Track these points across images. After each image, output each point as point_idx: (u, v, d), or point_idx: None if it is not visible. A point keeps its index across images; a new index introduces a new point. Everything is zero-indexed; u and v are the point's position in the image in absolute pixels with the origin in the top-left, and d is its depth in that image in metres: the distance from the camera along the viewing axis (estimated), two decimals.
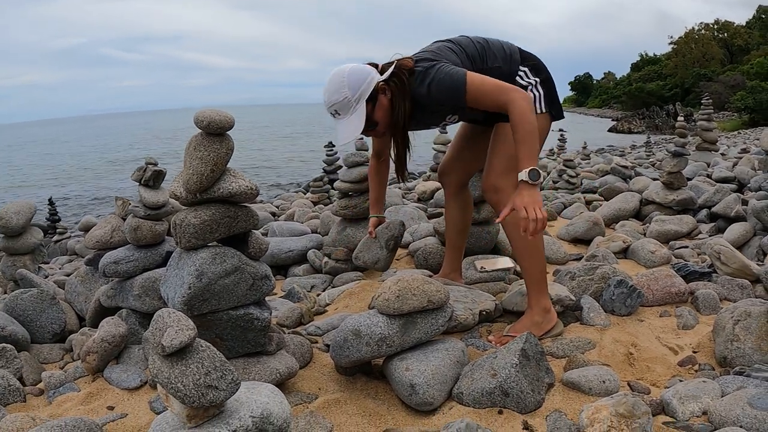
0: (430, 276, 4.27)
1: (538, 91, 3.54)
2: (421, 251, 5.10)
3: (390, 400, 2.95)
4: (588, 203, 8.33)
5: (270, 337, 2.98)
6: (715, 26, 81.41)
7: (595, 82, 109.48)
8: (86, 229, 8.12)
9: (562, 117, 3.73)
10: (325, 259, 5.51)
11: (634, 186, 8.45)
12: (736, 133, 41.39)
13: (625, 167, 10.11)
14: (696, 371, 3.09)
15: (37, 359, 3.83)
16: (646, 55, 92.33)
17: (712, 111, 13.76)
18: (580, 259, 5.29)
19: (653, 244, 5.24)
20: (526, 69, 3.55)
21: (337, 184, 5.53)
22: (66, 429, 2.53)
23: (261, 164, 34.62)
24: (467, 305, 3.55)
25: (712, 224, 6.35)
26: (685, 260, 4.95)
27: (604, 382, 2.84)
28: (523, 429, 2.60)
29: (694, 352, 3.31)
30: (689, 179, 8.29)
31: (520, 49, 3.62)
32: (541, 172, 3.09)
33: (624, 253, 5.39)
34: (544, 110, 3.55)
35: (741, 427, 2.34)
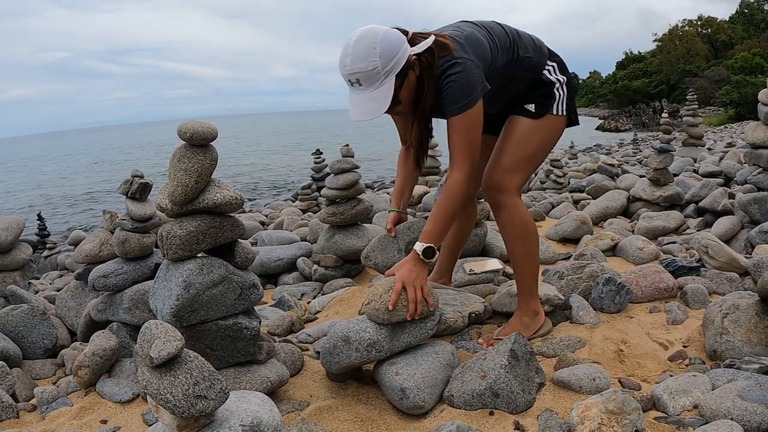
0: None
1: (563, 92, 3.41)
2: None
3: (381, 405, 2.95)
4: (576, 202, 8.35)
5: (260, 346, 2.98)
6: (699, 22, 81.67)
7: (581, 81, 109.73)
8: (75, 243, 8.12)
9: (578, 123, 3.63)
10: (315, 266, 5.52)
11: (622, 184, 8.49)
12: (722, 127, 41.57)
13: (612, 165, 10.14)
14: (686, 366, 3.10)
15: (30, 375, 3.82)
16: (631, 53, 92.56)
17: (698, 106, 13.84)
18: (568, 258, 5.30)
19: (641, 241, 5.25)
20: (554, 64, 3.43)
21: (324, 191, 5.53)
22: None
23: (247, 172, 34.63)
24: (456, 308, 3.56)
25: (700, 219, 6.37)
26: (674, 256, 4.96)
27: (594, 379, 2.85)
28: (514, 429, 2.60)
29: (684, 347, 3.32)
30: (676, 175, 8.32)
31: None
32: (436, 252, 3.08)
33: (612, 250, 5.41)
34: (564, 113, 3.43)
35: (732, 419, 2.35)
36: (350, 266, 5.48)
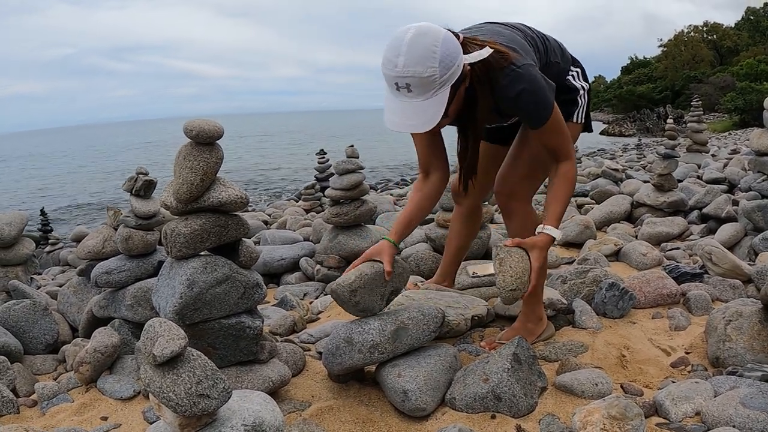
0: (423, 282, 4.25)
1: (585, 99, 3.32)
2: (413, 258, 5.10)
3: (383, 406, 2.94)
4: (579, 207, 8.35)
5: (262, 346, 2.97)
6: (704, 28, 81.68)
7: None
8: (78, 239, 8.11)
9: (591, 131, 3.59)
10: (318, 266, 5.51)
11: (625, 189, 8.48)
12: (726, 134, 41.55)
13: (616, 170, 10.12)
14: (689, 372, 3.09)
15: (30, 370, 3.82)
16: (636, 58, 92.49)
17: (702, 112, 13.83)
18: (572, 262, 5.30)
19: (645, 247, 5.25)
20: (578, 70, 3.32)
21: (328, 191, 5.53)
22: None
23: (252, 172, 34.63)
24: (459, 311, 3.55)
25: (704, 225, 6.37)
26: (677, 262, 4.96)
27: (596, 384, 2.84)
28: None
29: (687, 353, 3.31)
30: (680, 181, 8.32)
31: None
32: None
33: (616, 255, 5.40)
34: (582, 120, 3.35)
35: (734, 426, 2.35)
36: None
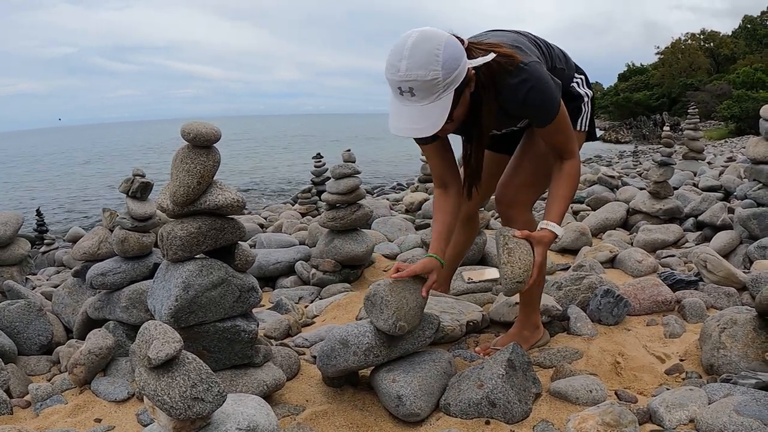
0: None
1: (588, 107, 3.31)
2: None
3: (377, 411, 2.94)
4: (575, 213, 8.35)
5: (257, 349, 2.97)
6: (702, 36, 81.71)
7: None
8: (74, 240, 8.11)
9: (596, 139, 3.57)
10: (313, 270, 5.52)
11: (621, 196, 8.50)
12: (722, 141, 41.63)
13: (612, 177, 10.14)
14: (683, 379, 3.09)
15: (24, 371, 3.82)
16: (633, 65, 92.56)
17: (699, 120, 13.84)
18: (567, 269, 5.30)
19: (640, 254, 5.25)
20: (581, 78, 3.29)
21: (324, 195, 5.53)
22: None
23: (248, 173, 34.64)
24: (454, 316, 3.56)
25: (699, 233, 6.38)
26: (672, 269, 4.96)
27: (591, 391, 2.84)
28: None
29: (681, 360, 3.31)
30: (676, 188, 8.34)
31: None
32: None
33: (611, 262, 5.41)
34: (585, 128, 3.34)
35: None
36: (348, 271, 5.48)
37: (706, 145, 20.92)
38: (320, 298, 5.11)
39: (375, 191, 19.71)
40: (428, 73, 2.46)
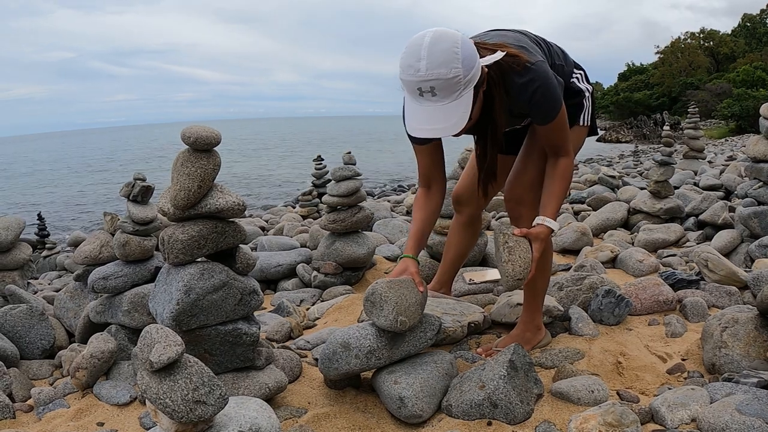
0: None
1: (589, 102, 3.35)
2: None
3: (379, 413, 2.94)
4: (576, 213, 8.37)
5: (259, 352, 2.98)
6: (701, 35, 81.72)
7: None
8: (75, 244, 8.10)
9: (597, 134, 3.61)
10: (314, 273, 5.52)
11: (622, 195, 8.50)
12: (723, 140, 41.64)
13: (613, 177, 10.13)
14: (685, 379, 3.10)
15: (27, 375, 3.82)
16: (633, 64, 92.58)
17: (699, 119, 13.84)
18: (568, 269, 5.30)
19: (641, 253, 5.26)
20: (580, 73, 3.33)
21: (325, 198, 5.53)
22: None
23: (248, 177, 34.66)
24: (456, 317, 3.56)
25: (700, 232, 6.38)
26: (673, 268, 4.97)
27: (592, 391, 2.84)
28: None
29: (683, 360, 3.32)
30: (676, 188, 8.33)
31: None
32: None
33: (612, 262, 5.42)
34: (588, 123, 3.39)
35: None
36: (350, 274, 5.48)
37: (706, 144, 20.93)
38: (322, 301, 5.11)
39: (376, 191, 19.72)
40: (450, 71, 2.48)
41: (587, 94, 3.32)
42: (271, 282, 5.91)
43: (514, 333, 3.48)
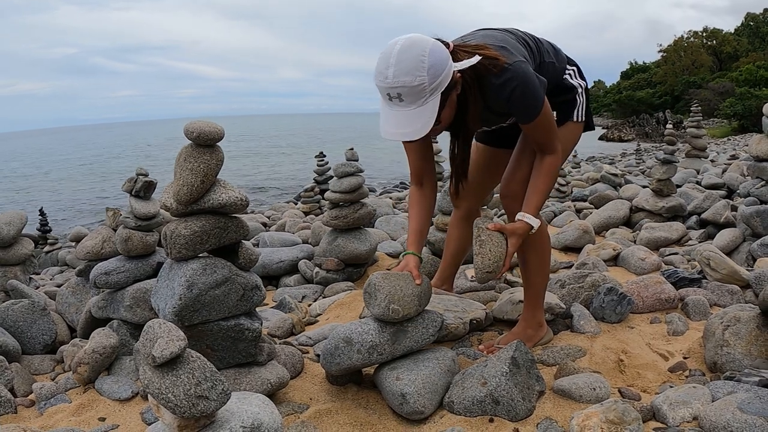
0: None
1: (583, 97, 3.34)
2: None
3: (381, 409, 2.95)
4: (578, 211, 8.36)
5: (261, 348, 2.98)
6: (704, 34, 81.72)
7: None
8: (77, 239, 8.10)
9: (593, 128, 3.60)
10: (316, 269, 5.52)
11: (624, 194, 8.50)
12: (725, 139, 41.68)
13: (615, 175, 10.13)
14: (686, 377, 3.10)
15: (28, 370, 3.82)
16: (636, 63, 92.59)
17: (701, 118, 13.83)
18: (570, 266, 5.30)
19: (643, 252, 5.25)
20: (573, 69, 3.35)
21: (327, 194, 5.52)
22: None
23: (250, 173, 34.67)
24: (458, 314, 3.56)
25: (702, 231, 6.37)
26: (675, 267, 4.96)
27: (594, 389, 2.84)
28: None
29: (685, 358, 3.32)
30: (679, 186, 8.32)
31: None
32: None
33: (614, 260, 5.41)
34: (582, 119, 3.37)
35: (731, 431, 2.35)
36: (352, 270, 5.48)
37: (709, 143, 20.92)
38: (323, 297, 5.11)
39: (379, 189, 19.70)
40: (415, 79, 2.55)
41: (581, 89, 3.33)
42: (273, 278, 5.91)
43: (516, 330, 3.48)
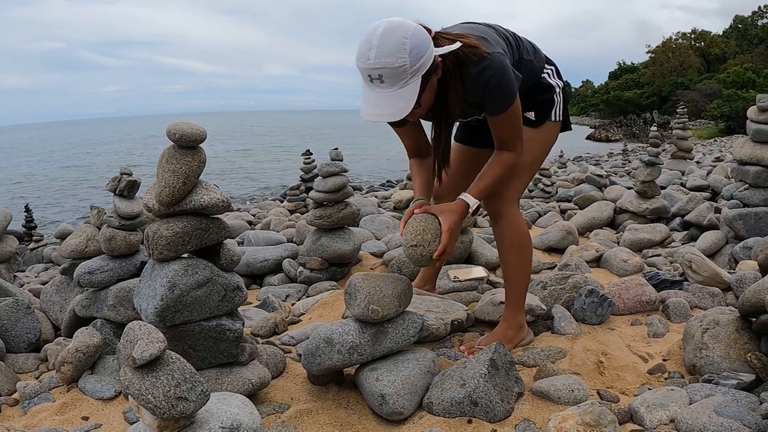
0: None
1: (560, 97, 3.41)
2: (395, 261, 5.12)
3: (361, 410, 2.96)
4: (563, 212, 8.39)
5: (242, 348, 2.99)
6: (693, 35, 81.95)
7: (573, 90, 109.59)
8: (62, 236, 8.09)
9: (570, 129, 3.64)
10: (300, 268, 5.52)
11: (609, 195, 8.54)
12: (712, 140, 41.84)
13: (600, 176, 10.18)
14: (665, 379, 3.12)
15: (12, 369, 3.82)
16: (624, 63, 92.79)
17: (687, 119, 13.90)
18: (553, 267, 5.32)
19: (626, 253, 5.29)
20: (551, 69, 3.41)
21: (312, 194, 5.53)
22: None
23: (235, 170, 34.63)
24: (439, 315, 3.57)
25: (685, 232, 6.42)
26: (658, 269, 4.99)
27: (572, 391, 2.87)
28: None
29: (664, 360, 3.35)
30: (663, 188, 8.37)
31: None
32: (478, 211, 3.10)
33: (597, 261, 5.44)
34: (560, 118, 3.45)
35: None
36: (335, 269, 5.49)
37: (695, 144, 21.01)
38: (307, 296, 5.11)
39: (364, 187, 19.69)
40: (396, 60, 2.60)
41: (558, 89, 3.39)
42: (257, 277, 5.91)
43: (496, 331, 3.50)
